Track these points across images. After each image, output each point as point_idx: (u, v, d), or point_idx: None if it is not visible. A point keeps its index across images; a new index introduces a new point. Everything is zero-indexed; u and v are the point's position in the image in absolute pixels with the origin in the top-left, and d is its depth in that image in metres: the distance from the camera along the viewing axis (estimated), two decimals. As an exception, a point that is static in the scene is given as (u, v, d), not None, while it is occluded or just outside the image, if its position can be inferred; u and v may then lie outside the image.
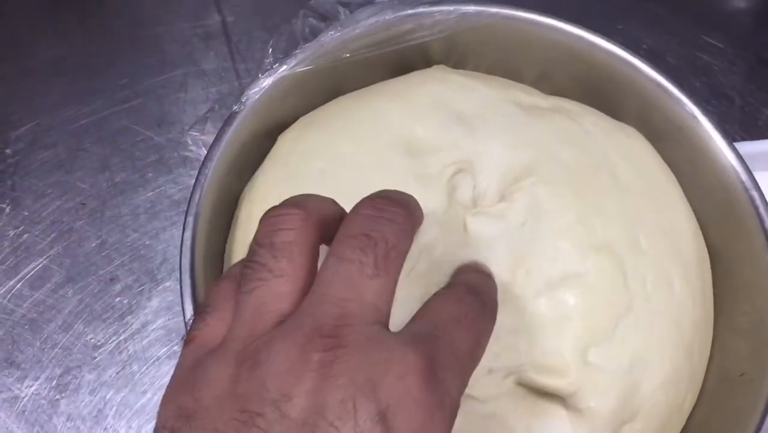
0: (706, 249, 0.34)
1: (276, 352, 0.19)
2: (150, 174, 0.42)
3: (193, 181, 0.31)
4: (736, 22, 0.51)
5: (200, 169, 0.31)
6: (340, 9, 0.41)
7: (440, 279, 0.28)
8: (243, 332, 0.21)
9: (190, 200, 0.30)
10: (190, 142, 0.35)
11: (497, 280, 0.29)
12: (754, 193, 0.33)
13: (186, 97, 0.45)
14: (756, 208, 0.33)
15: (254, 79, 0.38)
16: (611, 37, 0.49)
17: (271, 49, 0.42)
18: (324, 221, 0.23)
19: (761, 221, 0.32)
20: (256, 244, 0.22)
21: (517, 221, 0.30)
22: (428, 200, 0.31)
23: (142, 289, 0.39)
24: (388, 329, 0.21)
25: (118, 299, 0.39)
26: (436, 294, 0.25)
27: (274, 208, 0.23)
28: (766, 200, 0.33)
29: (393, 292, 0.22)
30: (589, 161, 0.32)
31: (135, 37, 0.47)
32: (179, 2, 0.48)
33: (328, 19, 0.42)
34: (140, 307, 0.38)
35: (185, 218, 0.30)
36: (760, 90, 0.48)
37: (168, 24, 0.47)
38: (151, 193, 0.42)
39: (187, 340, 0.22)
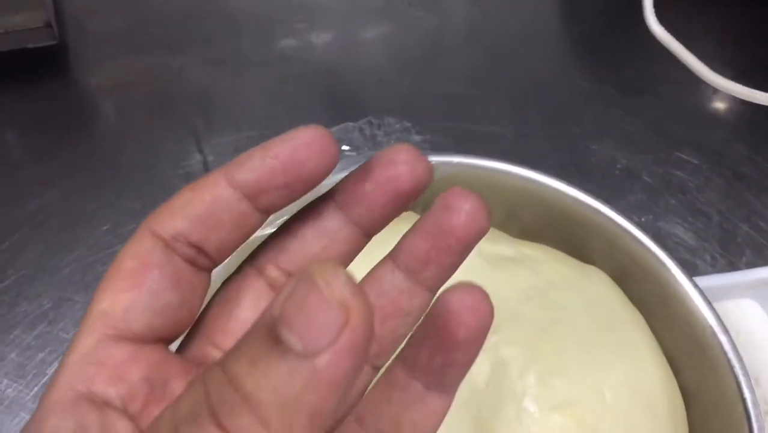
0: (680, 397, 0.33)
1: None
2: (131, 321, 0.43)
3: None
4: (710, 138, 0.51)
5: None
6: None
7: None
8: None
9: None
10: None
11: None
12: (723, 338, 0.33)
13: (167, 240, 0.45)
14: (726, 353, 0.32)
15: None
16: (587, 157, 0.51)
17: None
18: None
19: (731, 366, 0.32)
20: None
21: (482, 384, 0.30)
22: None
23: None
24: None
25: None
26: None
27: None
28: (735, 345, 0.33)
29: None
30: (550, 316, 0.32)
31: (118, 182, 0.48)
32: (161, 146, 0.49)
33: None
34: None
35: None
36: (737, 205, 0.49)
37: (151, 167, 0.49)
38: (132, 342, 0.42)
39: None
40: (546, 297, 0.33)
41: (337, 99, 0.53)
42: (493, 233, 0.37)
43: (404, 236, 0.19)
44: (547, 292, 0.33)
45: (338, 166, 0.37)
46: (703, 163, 0.50)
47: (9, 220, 0.46)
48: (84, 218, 0.46)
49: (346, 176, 0.19)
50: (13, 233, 0.45)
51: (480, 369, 0.31)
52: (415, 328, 0.19)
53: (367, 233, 0.19)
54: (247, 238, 0.18)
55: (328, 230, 0.19)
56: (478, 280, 0.33)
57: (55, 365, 0.42)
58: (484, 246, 0.35)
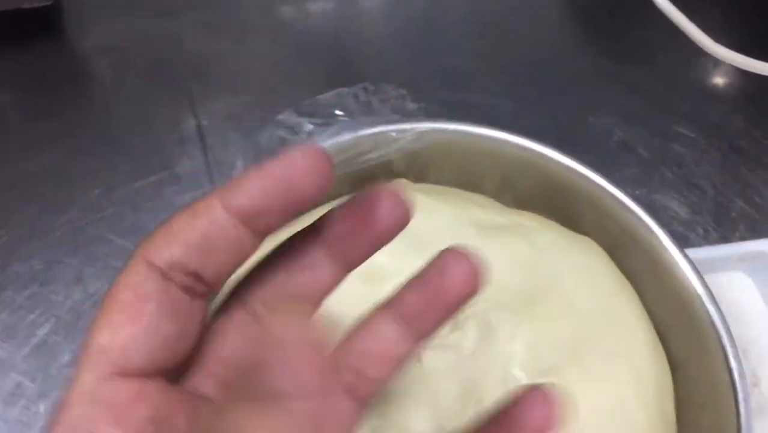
0: (667, 366, 0.33)
1: None
2: (123, 284, 0.43)
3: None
4: (709, 111, 0.51)
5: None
6: (306, 124, 0.42)
7: (391, 415, 0.28)
8: None
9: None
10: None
11: (449, 411, 0.29)
12: (711, 308, 0.33)
13: (161, 204, 0.45)
14: (714, 323, 0.32)
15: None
16: (583, 129, 0.50)
17: (241, 162, 0.43)
18: None
19: (719, 336, 0.32)
20: None
21: (470, 349, 0.30)
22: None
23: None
24: None
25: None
26: None
27: None
28: (723, 315, 0.33)
29: None
30: (541, 283, 0.32)
31: (112, 145, 0.48)
32: (156, 109, 0.49)
33: (296, 131, 0.43)
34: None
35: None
36: (733, 179, 0.48)
37: (145, 131, 0.48)
38: (123, 304, 0.42)
39: None
40: (537, 265, 0.33)
41: (334, 68, 0.52)
42: (486, 201, 0.37)
43: (401, 289, 0.21)
44: (539, 260, 0.33)
45: (332, 130, 0.37)
46: (700, 136, 0.50)
47: (2, 180, 0.45)
48: (77, 180, 0.46)
49: (331, 212, 0.20)
50: (7, 193, 0.45)
51: (468, 334, 0.31)
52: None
53: (348, 268, 0.20)
54: (243, 262, 0.18)
55: (313, 263, 0.20)
56: (471, 247, 0.33)
57: (46, 326, 0.42)
58: (476, 214, 0.35)
